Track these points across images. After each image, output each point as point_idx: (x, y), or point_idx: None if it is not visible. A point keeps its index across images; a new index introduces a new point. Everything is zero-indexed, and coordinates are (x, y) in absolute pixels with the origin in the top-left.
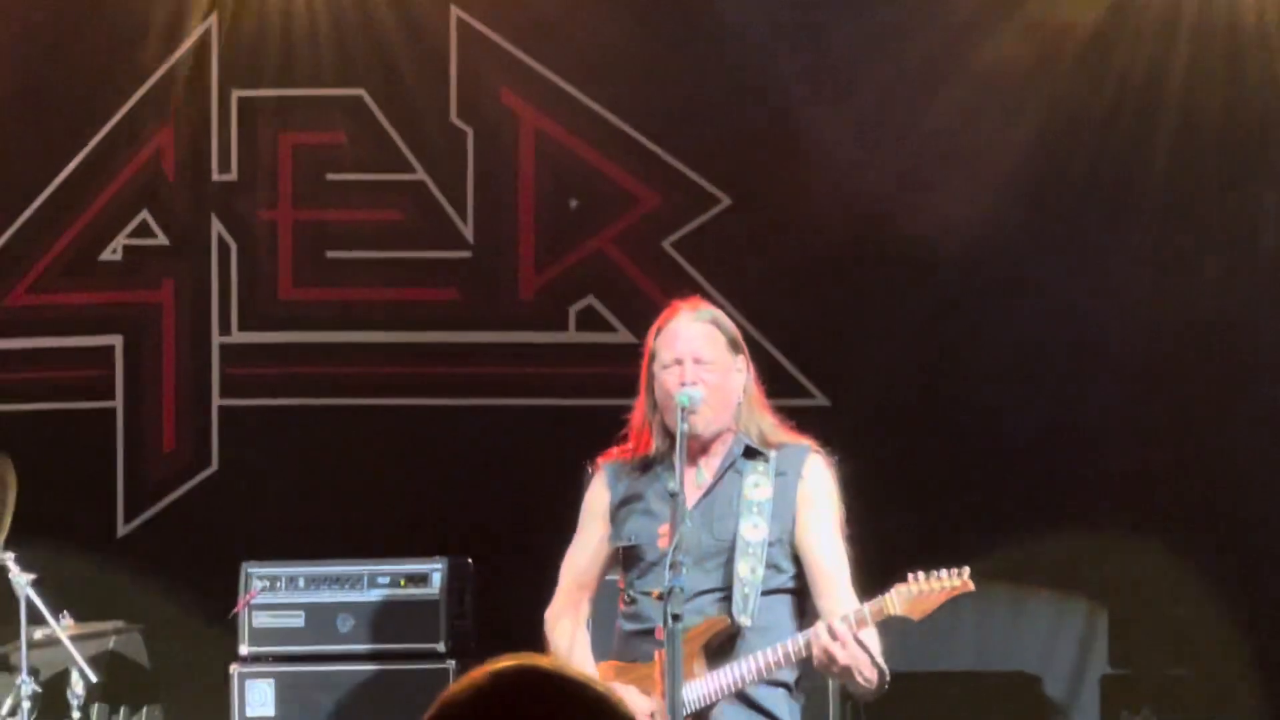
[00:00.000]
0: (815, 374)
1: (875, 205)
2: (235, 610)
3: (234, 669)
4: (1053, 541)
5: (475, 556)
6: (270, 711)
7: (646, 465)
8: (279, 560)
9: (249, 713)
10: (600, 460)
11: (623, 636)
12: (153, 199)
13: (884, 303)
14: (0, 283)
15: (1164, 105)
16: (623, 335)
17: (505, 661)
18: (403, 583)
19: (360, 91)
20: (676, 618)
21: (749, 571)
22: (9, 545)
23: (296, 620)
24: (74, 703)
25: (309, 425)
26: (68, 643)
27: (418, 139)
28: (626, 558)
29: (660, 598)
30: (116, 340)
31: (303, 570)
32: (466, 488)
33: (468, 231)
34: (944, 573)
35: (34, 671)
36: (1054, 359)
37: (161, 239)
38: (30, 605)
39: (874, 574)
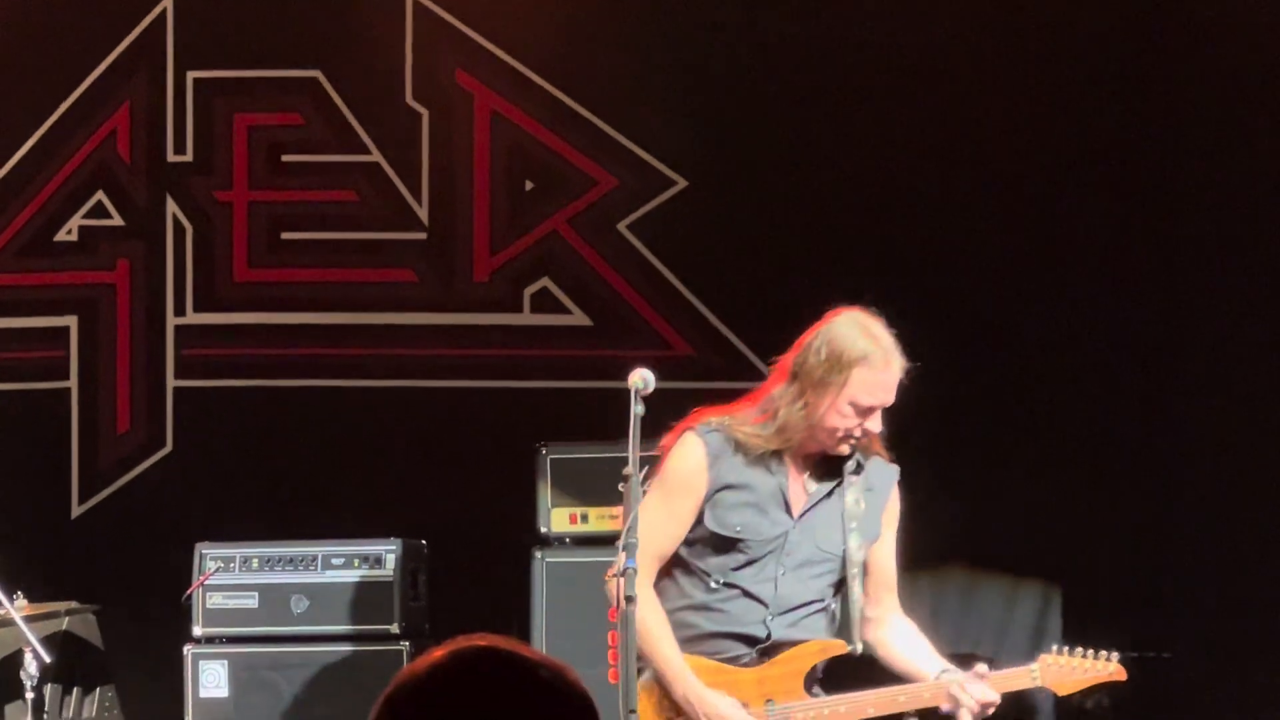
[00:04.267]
0: (772, 357)
1: (833, 185)
2: (189, 591)
3: (188, 650)
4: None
5: (429, 538)
6: (224, 692)
7: (758, 453)
8: (233, 541)
9: (202, 694)
10: (697, 424)
11: (702, 631)
12: (108, 180)
13: (842, 284)
14: None
15: None
16: (578, 317)
17: (464, 641)
18: (357, 564)
19: (316, 73)
20: (630, 600)
21: (858, 594)
22: None
23: (250, 601)
24: (27, 683)
25: (264, 407)
26: (21, 623)
27: (373, 120)
28: (719, 545)
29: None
30: (71, 321)
31: (257, 551)
32: (421, 469)
33: (423, 213)
34: (1099, 656)
35: None
36: (1020, 330)
37: (117, 220)
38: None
39: None
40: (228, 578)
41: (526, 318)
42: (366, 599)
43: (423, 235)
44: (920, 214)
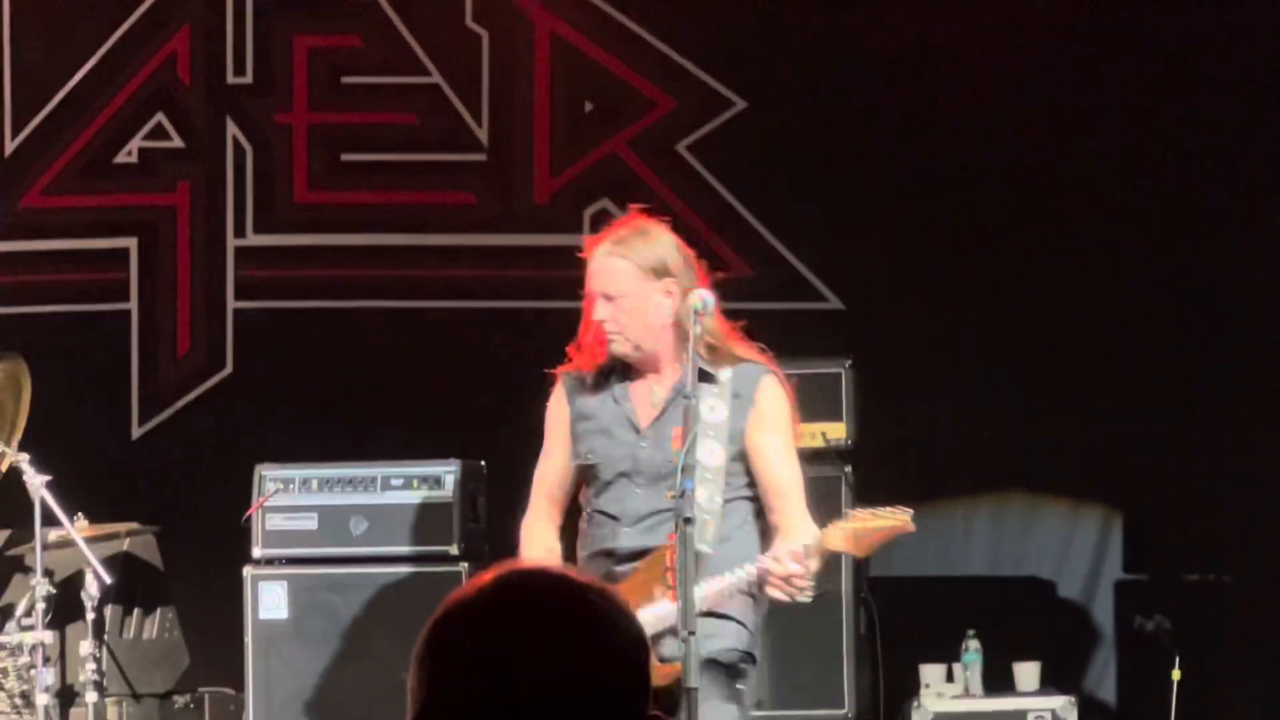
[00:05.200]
0: (829, 278)
1: (892, 107)
2: (249, 513)
3: (247, 571)
4: (1072, 442)
5: (488, 460)
6: (283, 614)
7: (599, 380)
8: (293, 462)
9: (261, 615)
10: (559, 371)
11: (583, 560)
12: (168, 102)
13: (900, 206)
14: (16, 184)
15: None
16: None
17: (512, 565)
18: (416, 485)
19: None
20: (688, 521)
21: (707, 498)
22: (24, 447)
23: (310, 522)
24: (88, 604)
25: (323, 328)
26: (82, 544)
27: (433, 42)
28: (584, 476)
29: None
30: (131, 243)
31: (316, 472)
32: (480, 391)
33: (482, 135)
34: (885, 510)
35: (48, 573)
36: (1080, 252)
37: (177, 141)
38: (45, 507)
39: (895, 477)
40: (287, 499)
41: (586, 238)
42: (425, 520)
43: (482, 157)
44: (982, 135)
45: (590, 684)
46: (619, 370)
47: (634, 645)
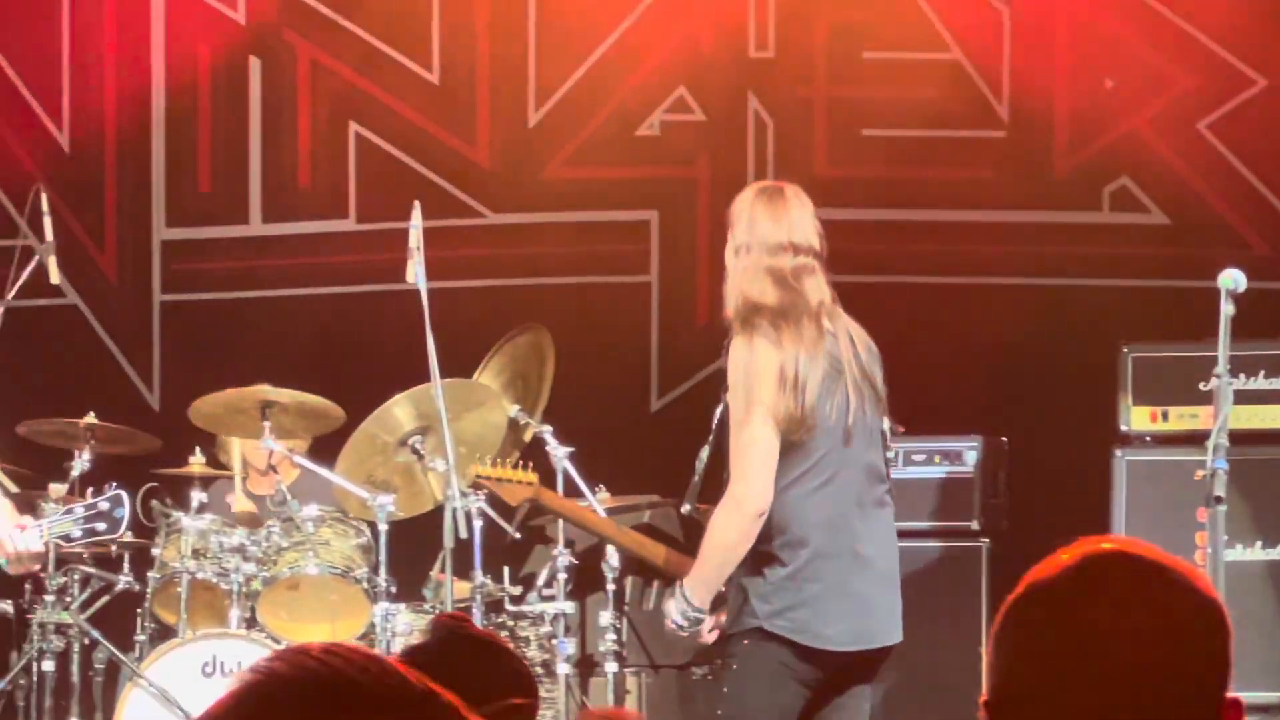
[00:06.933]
0: None
1: None
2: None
3: None
4: None
5: (1010, 436)
6: None
7: None
8: None
9: None
10: None
11: None
12: (689, 75)
13: None
14: (539, 156)
15: None
16: (1156, 216)
17: (1090, 543)
18: (938, 460)
19: None
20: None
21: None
22: (545, 418)
23: None
24: (608, 575)
25: (841, 303)
26: (600, 513)
27: (953, 18)
28: None
29: None
30: (652, 215)
31: None
32: (1003, 367)
33: (1002, 111)
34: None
35: (570, 544)
36: None
37: (698, 115)
38: (567, 478)
39: None
40: None
41: (1105, 216)
42: (947, 495)
43: (1001, 133)
44: None
45: (1172, 668)
46: None
47: (1215, 625)
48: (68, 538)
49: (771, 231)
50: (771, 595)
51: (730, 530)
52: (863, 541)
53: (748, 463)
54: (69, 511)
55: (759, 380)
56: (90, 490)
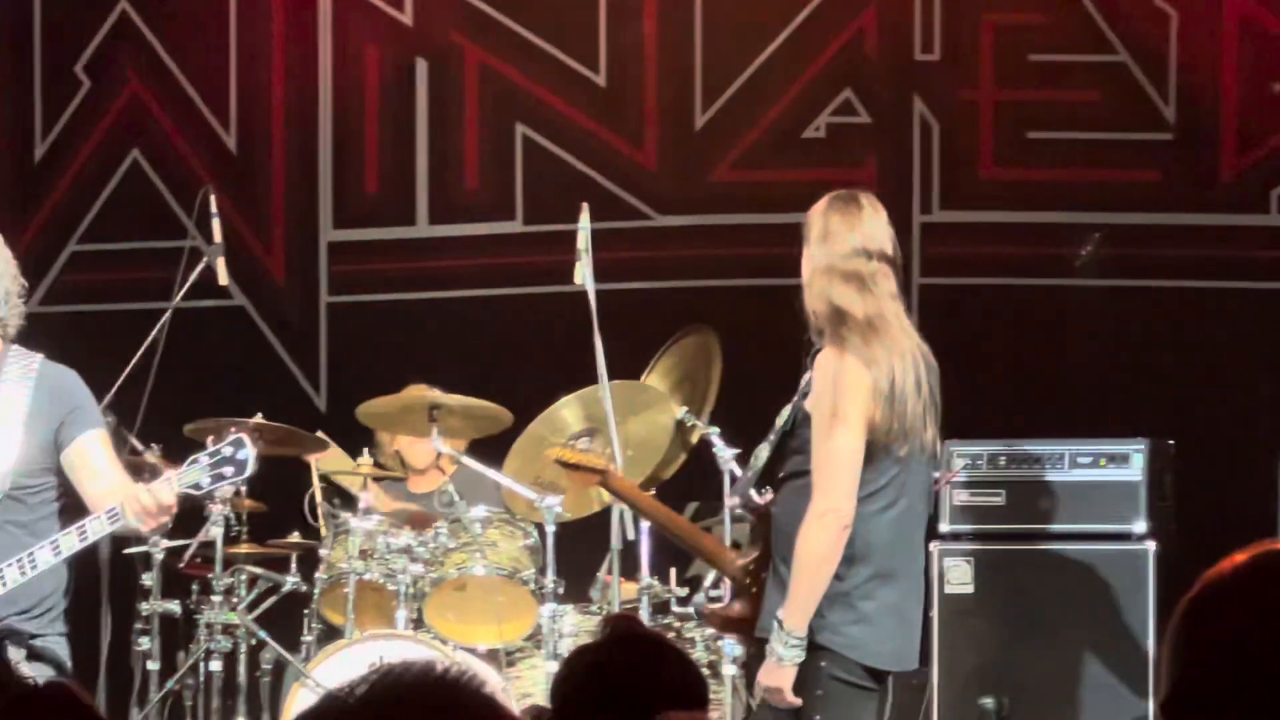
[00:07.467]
0: None
1: None
2: (935, 488)
3: (933, 546)
4: None
5: (1177, 439)
6: (969, 588)
7: None
8: (980, 439)
9: (948, 589)
10: None
11: None
12: (855, 78)
13: None
14: (706, 158)
15: None
16: None
17: (1267, 544)
18: (1103, 463)
19: None
20: None
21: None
22: (712, 420)
23: (997, 498)
24: None
25: (1007, 305)
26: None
27: (1120, 20)
28: None
29: None
30: None
31: (1005, 449)
32: (1170, 370)
33: (1169, 113)
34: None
35: (735, 545)
36: None
37: (864, 117)
38: (733, 479)
39: None
40: (975, 474)
41: (1273, 218)
42: (1112, 498)
43: (1168, 136)
44: None
45: None
46: None
47: None
48: (198, 486)
49: (847, 238)
50: (825, 610)
51: (820, 545)
52: (917, 562)
53: (831, 475)
54: (194, 461)
55: (847, 395)
56: (210, 439)
